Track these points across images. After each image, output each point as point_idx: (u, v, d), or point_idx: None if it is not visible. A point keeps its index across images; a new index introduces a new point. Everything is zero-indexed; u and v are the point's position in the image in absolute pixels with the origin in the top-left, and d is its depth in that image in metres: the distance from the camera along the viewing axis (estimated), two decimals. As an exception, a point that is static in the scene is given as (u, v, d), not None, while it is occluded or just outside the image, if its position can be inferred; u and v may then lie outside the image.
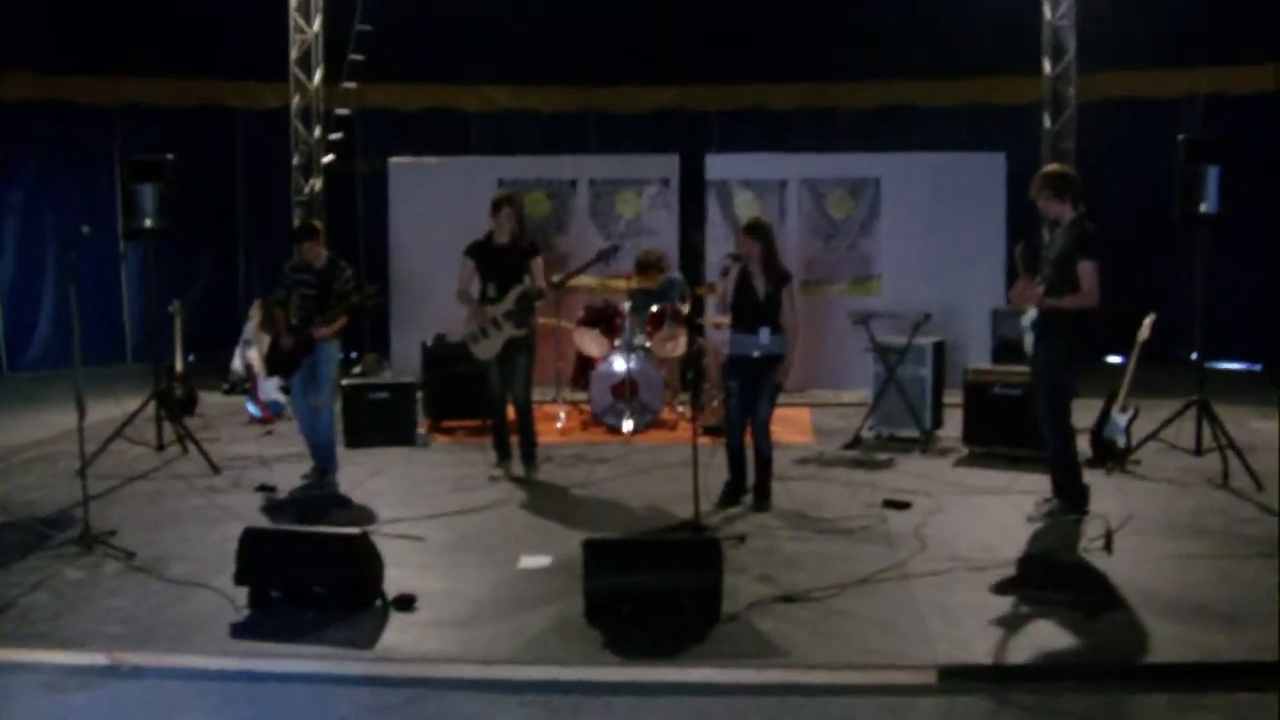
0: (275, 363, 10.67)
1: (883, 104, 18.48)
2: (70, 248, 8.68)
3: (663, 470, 10.91)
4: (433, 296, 13.89)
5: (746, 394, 9.56)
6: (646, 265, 13.55)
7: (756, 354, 9.46)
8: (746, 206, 15.18)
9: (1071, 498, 9.08)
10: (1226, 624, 6.86)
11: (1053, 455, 9.15)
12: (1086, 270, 8.65)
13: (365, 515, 9.45)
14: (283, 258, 10.87)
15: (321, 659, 6.55)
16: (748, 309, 9.54)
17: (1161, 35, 16.54)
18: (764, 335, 9.43)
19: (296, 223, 11.45)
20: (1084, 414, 11.03)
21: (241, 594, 7.31)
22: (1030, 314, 9.12)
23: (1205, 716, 5.73)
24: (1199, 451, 10.81)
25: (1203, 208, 10.43)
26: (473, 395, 12.00)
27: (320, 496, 10.17)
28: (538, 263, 10.66)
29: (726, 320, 9.94)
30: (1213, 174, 10.41)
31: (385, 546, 7.75)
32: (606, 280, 13.56)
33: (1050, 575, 7.86)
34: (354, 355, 16.12)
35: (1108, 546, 8.21)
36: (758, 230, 9.61)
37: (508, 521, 9.36)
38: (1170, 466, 10.70)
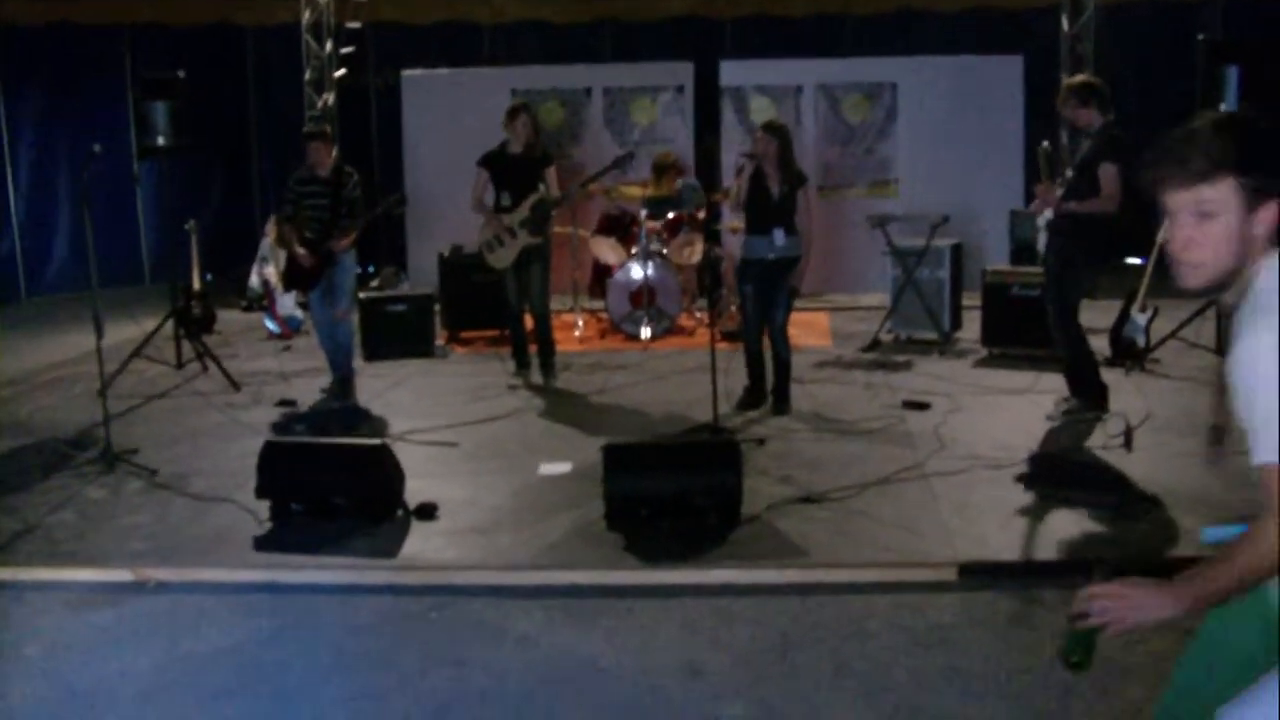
0: (293, 278, 10.67)
1: (895, 8, 18.27)
2: (83, 168, 8.65)
3: (681, 376, 10.91)
4: (448, 208, 13.85)
5: (762, 298, 9.52)
6: (664, 168, 13.52)
7: (771, 256, 9.41)
8: (762, 112, 15.04)
9: (1090, 397, 9.06)
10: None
11: (1066, 356, 9.14)
12: (1109, 173, 8.58)
13: (385, 426, 9.48)
14: (297, 173, 10.85)
15: (344, 569, 6.59)
16: (762, 210, 9.47)
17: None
18: (778, 236, 9.37)
19: (306, 127, 11.43)
20: (1103, 314, 11.02)
21: (263, 507, 7.36)
22: (1047, 214, 9.08)
23: (1225, 608, 5.73)
24: (1219, 350, 10.76)
25: (1223, 108, 10.34)
26: (490, 305, 11.98)
27: (340, 409, 10.20)
28: (552, 171, 10.63)
29: (741, 224, 9.89)
30: (1233, 74, 10.32)
31: (406, 456, 7.78)
32: (622, 187, 13.50)
33: (1069, 472, 7.87)
34: (371, 268, 16.10)
35: (1127, 444, 8.21)
36: (775, 129, 9.54)
37: (527, 429, 9.39)
38: (1190, 365, 10.67)
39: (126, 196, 17.39)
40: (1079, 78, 9.37)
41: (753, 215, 9.56)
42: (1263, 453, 2.76)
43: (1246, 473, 2.89)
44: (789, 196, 9.43)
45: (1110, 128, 8.80)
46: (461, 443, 8.96)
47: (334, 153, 10.59)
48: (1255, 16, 16.12)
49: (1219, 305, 10.45)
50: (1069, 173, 8.93)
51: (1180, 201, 2.91)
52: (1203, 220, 2.88)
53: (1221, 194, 2.84)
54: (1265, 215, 2.84)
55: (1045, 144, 9.18)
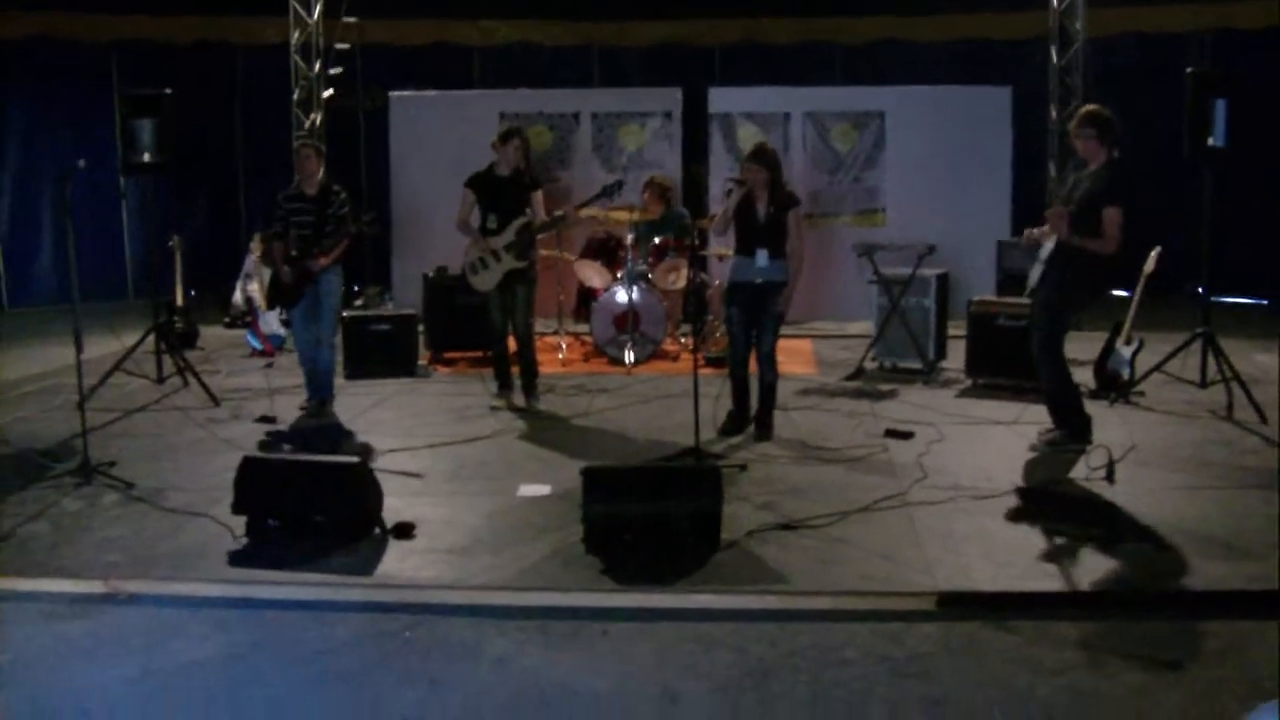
0: (276, 295, 10.66)
1: (884, 37, 18.36)
2: (66, 181, 8.59)
3: (664, 400, 10.89)
4: (434, 229, 13.84)
5: (748, 321, 9.50)
6: (661, 189, 13.48)
7: (758, 280, 9.37)
8: (750, 140, 15.04)
9: (1073, 428, 9.04)
10: (1228, 554, 6.84)
11: (1048, 388, 9.13)
12: (1112, 216, 8.58)
13: (366, 446, 9.44)
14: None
15: (319, 586, 6.54)
16: (748, 231, 9.44)
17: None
18: (761, 258, 9.33)
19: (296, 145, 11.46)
20: (1089, 346, 11.03)
21: (240, 523, 7.29)
22: (1048, 246, 9.03)
23: (1206, 644, 5.71)
24: (1204, 384, 10.77)
25: (1210, 142, 10.37)
26: (474, 326, 11.94)
27: (320, 427, 10.16)
28: (538, 196, 10.63)
29: (728, 251, 9.87)
30: (1221, 108, 10.34)
31: (385, 475, 7.75)
32: (609, 211, 13.50)
33: (1052, 504, 7.84)
34: (356, 288, 16.07)
35: (1110, 476, 8.20)
36: (763, 156, 9.49)
37: (508, 451, 9.34)
38: (1174, 398, 10.67)
39: (112, 211, 17.41)
40: (1096, 107, 9.28)
41: (740, 237, 9.54)
42: None
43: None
44: (776, 219, 9.39)
45: (1118, 165, 8.80)
46: (441, 463, 8.93)
47: (322, 170, 10.56)
48: (1243, 49, 16.25)
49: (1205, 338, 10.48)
50: (1074, 207, 8.87)
51: None
52: None
53: None
54: None
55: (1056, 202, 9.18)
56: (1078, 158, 9.33)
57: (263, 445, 9.56)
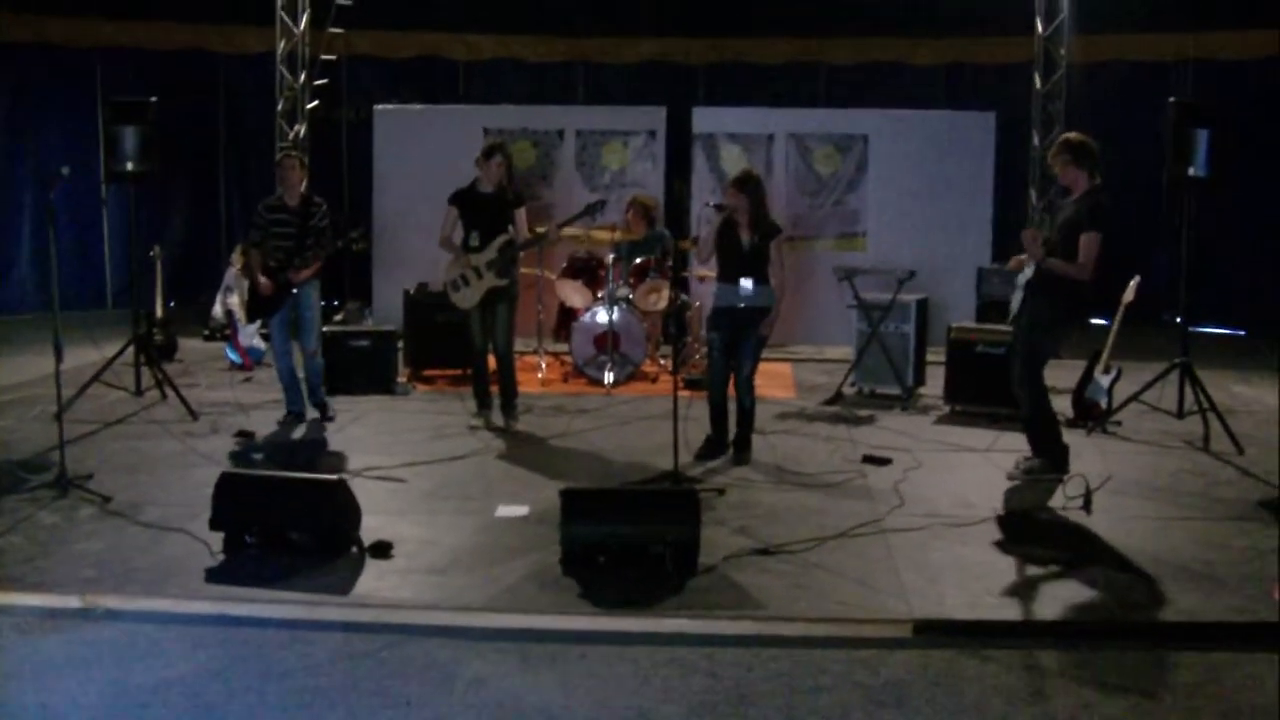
0: (255, 306, 10.65)
1: (869, 60, 18.41)
2: (49, 189, 8.57)
3: (643, 422, 10.89)
4: (416, 245, 13.85)
5: (729, 346, 9.52)
6: (644, 208, 13.48)
7: (741, 305, 9.40)
8: (733, 161, 15.09)
9: (1051, 457, 9.08)
10: (1203, 584, 6.87)
11: (1028, 416, 9.16)
12: (1089, 241, 8.63)
13: (343, 462, 9.43)
14: (265, 203, 10.82)
15: (296, 604, 6.52)
16: (732, 259, 9.48)
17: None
18: (745, 286, 9.37)
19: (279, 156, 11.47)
20: (1067, 374, 11.06)
21: (217, 539, 7.28)
22: (1027, 272, 9.07)
23: (1181, 675, 5.73)
24: (1181, 414, 10.81)
25: (1191, 171, 10.42)
26: (454, 344, 11.93)
27: (298, 442, 10.14)
28: (521, 214, 10.62)
29: (710, 273, 9.88)
30: (1202, 137, 10.40)
31: (362, 493, 7.72)
32: (591, 231, 13.49)
33: (1029, 532, 7.86)
34: (336, 303, 16.05)
35: (1086, 505, 8.22)
36: (747, 184, 9.51)
37: (486, 471, 9.33)
38: (1151, 428, 10.71)
39: (93, 220, 17.35)
40: (1076, 135, 9.33)
41: (723, 264, 9.57)
42: None
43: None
44: (760, 247, 9.42)
45: (1097, 193, 8.84)
46: (419, 482, 8.92)
47: (305, 182, 10.57)
48: (1226, 80, 16.33)
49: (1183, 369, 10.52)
50: (1051, 234, 8.91)
51: None
52: None
53: None
54: None
55: (1033, 228, 9.21)
56: (1060, 186, 9.37)
57: (233, 456, 9.56)
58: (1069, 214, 8.89)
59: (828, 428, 10.88)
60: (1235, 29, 16.70)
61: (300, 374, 10.78)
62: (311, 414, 10.84)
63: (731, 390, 9.63)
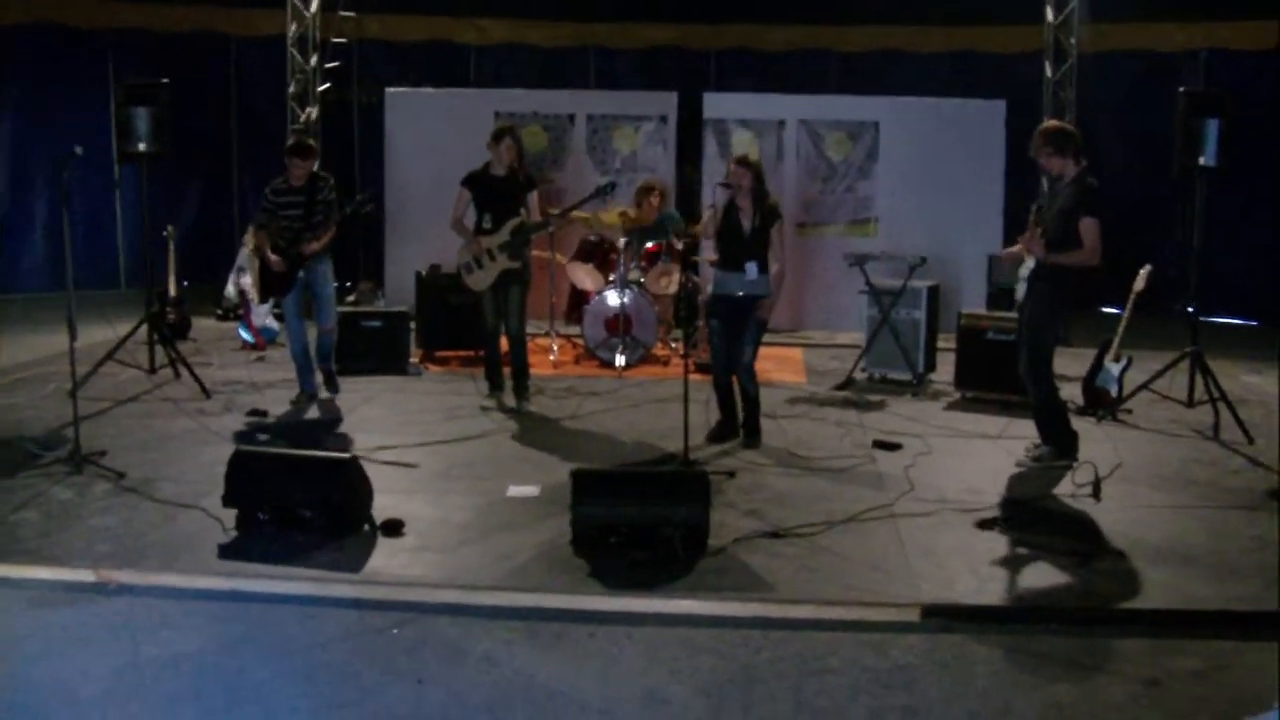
0: (267, 285, 10.68)
1: (881, 47, 18.38)
2: (63, 168, 8.59)
3: (654, 405, 10.91)
4: (428, 227, 13.83)
5: (730, 333, 9.52)
6: (649, 191, 13.48)
7: (740, 293, 9.39)
8: (744, 146, 15.04)
9: (1061, 444, 9.08)
10: (1210, 573, 6.88)
11: (1036, 404, 9.17)
12: (1089, 227, 8.61)
13: (354, 442, 9.45)
14: (277, 185, 10.84)
15: (308, 581, 6.56)
16: (733, 243, 9.46)
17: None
18: (750, 271, 9.34)
19: (291, 140, 11.43)
20: (1077, 362, 11.07)
21: (229, 516, 7.33)
22: (1029, 264, 9.10)
23: (1186, 662, 5.75)
24: (1191, 403, 10.82)
25: (1202, 161, 10.44)
26: (466, 325, 11.97)
27: (310, 421, 10.19)
28: (534, 196, 10.64)
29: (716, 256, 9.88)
30: (1213, 127, 10.42)
31: (374, 472, 7.77)
32: (601, 214, 13.50)
33: (1037, 519, 7.88)
34: (349, 284, 16.07)
35: (1095, 493, 8.23)
36: (750, 163, 9.53)
37: (497, 451, 9.37)
38: (1161, 417, 10.71)
39: (106, 200, 17.36)
40: (1052, 123, 9.35)
41: (724, 249, 9.56)
42: None
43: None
44: (761, 231, 9.41)
45: (1084, 176, 8.82)
46: (431, 461, 8.95)
47: (315, 164, 10.60)
48: (1236, 70, 16.29)
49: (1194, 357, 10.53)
50: (1050, 224, 8.91)
51: None
52: None
53: None
54: None
55: (1037, 205, 9.20)
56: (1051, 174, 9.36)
57: (239, 436, 9.60)
58: (1060, 202, 8.85)
59: (838, 412, 10.90)
60: (1246, 19, 16.64)
61: (312, 351, 10.82)
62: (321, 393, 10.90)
63: (736, 377, 9.65)
